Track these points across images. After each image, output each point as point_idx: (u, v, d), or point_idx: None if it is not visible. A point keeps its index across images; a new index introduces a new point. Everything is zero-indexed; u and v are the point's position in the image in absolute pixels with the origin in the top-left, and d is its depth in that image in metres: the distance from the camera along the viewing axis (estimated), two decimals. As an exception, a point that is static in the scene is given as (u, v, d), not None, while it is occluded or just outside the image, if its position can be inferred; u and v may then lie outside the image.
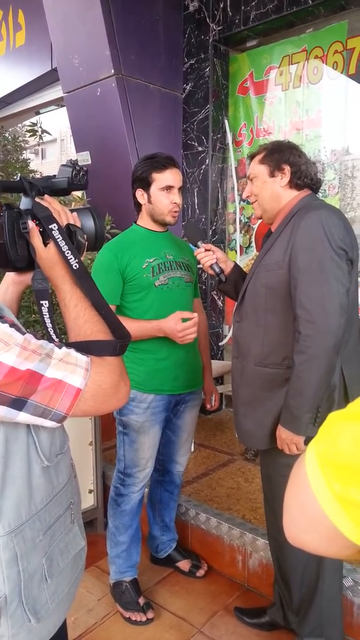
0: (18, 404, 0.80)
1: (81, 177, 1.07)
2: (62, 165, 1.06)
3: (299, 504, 0.54)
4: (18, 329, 0.83)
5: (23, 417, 0.82)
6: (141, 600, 2.17)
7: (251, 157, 1.80)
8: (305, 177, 1.70)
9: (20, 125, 5.37)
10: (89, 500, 2.70)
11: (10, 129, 4.65)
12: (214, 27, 3.60)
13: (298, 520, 0.55)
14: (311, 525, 0.53)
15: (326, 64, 3.32)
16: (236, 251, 3.90)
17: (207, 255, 1.90)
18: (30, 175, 3.79)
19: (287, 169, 1.69)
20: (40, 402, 0.82)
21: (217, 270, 1.91)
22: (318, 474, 0.51)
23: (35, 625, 0.91)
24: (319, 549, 0.54)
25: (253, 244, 3.87)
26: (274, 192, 1.72)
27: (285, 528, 0.57)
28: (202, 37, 3.68)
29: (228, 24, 3.52)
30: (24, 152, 4.27)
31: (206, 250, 1.91)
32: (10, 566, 0.87)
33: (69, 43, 3.58)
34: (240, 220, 3.89)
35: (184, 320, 1.88)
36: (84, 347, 0.90)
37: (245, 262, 3.85)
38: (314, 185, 1.74)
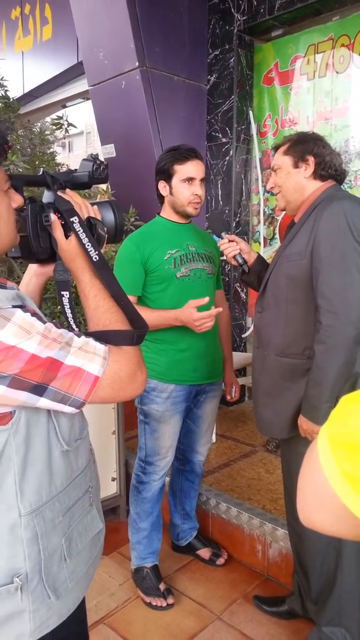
0: (39, 390, 0.84)
1: (102, 171, 1.09)
2: (83, 159, 1.09)
3: (311, 485, 0.55)
4: (39, 318, 0.86)
5: (43, 402, 0.85)
6: (162, 586, 2.21)
7: (275, 148, 1.79)
8: (330, 168, 1.69)
9: (49, 118, 5.42)
10: (111, 488, 2.75)
11: (38, 123, 4.71)
12: (239, 17, 3.58)
13: (310, 501, 0.56)
14: (322, 505, 0.54)
15: (353, 52, 3.26)
16: (260, 243, 3.89)
17: (231, 246, 1.91)
18: (57, 168, 3.83)
19: (311, 160, 1.69)
20: (59, 388, 0.85)
21: (240, 261, 1.92)
22: (328, 454, 0.52)
23: (54, 602, 0.95)
24: (329, 529, 0.56)
25: (277, 235, 3.85)
26: (298, 183, 1.72)
27: (298, 509, 0.58)
28: (227, 27, 3.65)
29: (253, 14, 3.50)
30: (51, 145, 4.32)
31: (230, 241, 1.92)
32: (31, 545, 0.91)
33: (94, 36, 3.60)
34: (264, 212, 3.88)
35: (200, 309, 1.89)
36: (103, 337, 0.93)
37: (269, 253, 3.83)
38: (339, 176, 1.73)
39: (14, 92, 4.12)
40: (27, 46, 4.89)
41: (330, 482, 0.52)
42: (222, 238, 1.94)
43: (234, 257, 1.91)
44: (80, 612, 1.09)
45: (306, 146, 1.70)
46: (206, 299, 1.87)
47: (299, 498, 0.58)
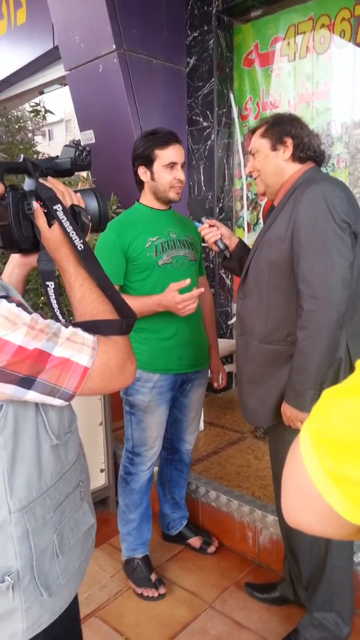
0: (26, 382, 0.81)
1: (84, 158, 1.06)
2: (65, 145, 1.06)
3: (295, 484, 0.53)
4: (25, 309, 0.83)
5: (32, 395, 0.83)
6: (153, 577, 2.20)
7: (252, 131, 1.75)
8: (308, 150, 1.66)
9: (28, 105, 5.32)
10: (100, 480, 2.73)
11: (16, 112, 4.60)
12: (217, -3, 3.50)
13: (294, 500, 0.54)
14: (306, 504, 0.52)
15: (333, 32, 3.22)
16: (244, 228, 3.86)
17: (211, 232, 1.88)
18: (35, 156, 3.75)
19: (289, 141, 1.65)
20: (48, 380, 0.83)
21: (222, 246, 1.88)
22: (311, 452, 0.50)
23: (47, 599, 0.93)
24: (315, 529, 0.54)
25: (261, 220, 3.82)
26: (277, 166, 1.68)
27: (282, 508, 0.56)
28: (205, 8, 3.58)
29: (232, -6, 3.43)
30: (30, 133, 4.23)
31: (210, 226, 1.88)
32: (22, 542, 0.89)
33: (70, 19, 3.51)
34: (248, 197, 3.84)
35: (182, 291, 1.85)
36: (91, 327, 0.91)
37: (253, 239, 3.78)
38: (317, 157, 1.69)
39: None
40: (1, 31, 4.76)
41: (313, 481, 0.49)
42: (202, 223, 1.90)
43: (215, 242, 1.87)
44: (73, 609, 1.07)
45: (283, 128, 1.66)
46: (187, 281, 1.84)
47: (283, 497, 0.56)
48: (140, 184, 2.07)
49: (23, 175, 1.02)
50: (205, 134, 3.71)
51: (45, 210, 0.97)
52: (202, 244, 2.14)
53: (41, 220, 0.97)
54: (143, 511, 2.23)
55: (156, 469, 2.44)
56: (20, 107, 5.31)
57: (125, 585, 2.24)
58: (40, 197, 0.97)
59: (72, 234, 0.96)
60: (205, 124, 3.70)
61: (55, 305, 0.97)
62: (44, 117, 3.87)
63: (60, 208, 0.96)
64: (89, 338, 0.88)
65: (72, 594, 1.04)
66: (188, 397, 2.23)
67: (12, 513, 0.88)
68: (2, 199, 0.94)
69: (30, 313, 0.83)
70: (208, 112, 3.67)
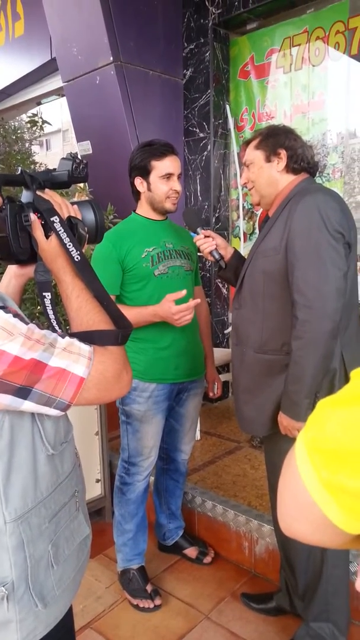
0: (23, 392, 0.82)
1: (81, 170, 1.07)
2: (62, 158, 1.07)
3: (290, 493, 0.54)
4: (22, 319, 0.84)
5: (28, 405, 0.84)
6: (149, 588, 2.19)
7: (247, 143, 1.77)
8: (302, 161, 1.67)
9: (24, 116, 5.35)
10: (96, 490, 2.72)
11: (14, 122, 4.62)
12: (214, 11, 3.54)
13: (290, 510, 0.54)
14: (302, 514, 0.52)
15: (328, 44, 3.25)
16: (240, 238, 3.87)
17: (207, 242, 1.89)
18: (32, 166, 3.77)
19: (283, 153, 1.67)
20: (44, 390, 0.84)
21: (217, 256, 1.90)
22: (306, 461, 0.50)
23: (42, 610, 0.93)
24: (310, 538, 0.54)
25: (257, 230, 3.84)
26: (271, 177, 1.70)
27: (279, 518, 0.57)
28: (202, 21, 3.62)
29: (227, 7, 3.46)
30: (27, 143, 4.24)
31: (206, 236, 1.90)
32: (17, 552, 0.89)
33: (67, 31, 3.54)
34: (244, 207, 3.86)
35: (178, 302, 1.86)
36: (87, 337, 0.92)
37: (249, 248, 3.80)
38: (311, 168, 1.71)
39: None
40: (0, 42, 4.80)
41: (309, 491, 0.50)
42: (198, 233, 1.91)
43: (210, 252, 1.89)
44: (67, 620, 1.07)
45: (277, 139, 1.68)
46: (183, 292, 1.85)
47: (279, 507, 0.56)
48: (136, 195, 2.09)
49: (20, 187, 1.03)
50: (201, 144, 3.74)
51: (43, 222, 0.98)
52: (198, 254, 2.15)
53: (38, 232, 0.98)
54: (139, 521, 2.22)
55: (152, 479, 2.44)
56: (17, 118, 5.33)
57: (121, 596, 2.23)
58: (38, 209, 0.98)
59: (69, 245, 0.97)
60: (201, 134, 3.73)
61: (51, 316, 0.98)
62: (42, 128, 3.89)
63: (58, 220, 0.98)
64: (85, 348, 0.89)
65: (67, 605, 1.03)
66: (184, 406, 2.23)
67: (8, 523, 0.87)
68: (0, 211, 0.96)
69: (27, 323, 0.84)
70: (204, 123, 3.70)
